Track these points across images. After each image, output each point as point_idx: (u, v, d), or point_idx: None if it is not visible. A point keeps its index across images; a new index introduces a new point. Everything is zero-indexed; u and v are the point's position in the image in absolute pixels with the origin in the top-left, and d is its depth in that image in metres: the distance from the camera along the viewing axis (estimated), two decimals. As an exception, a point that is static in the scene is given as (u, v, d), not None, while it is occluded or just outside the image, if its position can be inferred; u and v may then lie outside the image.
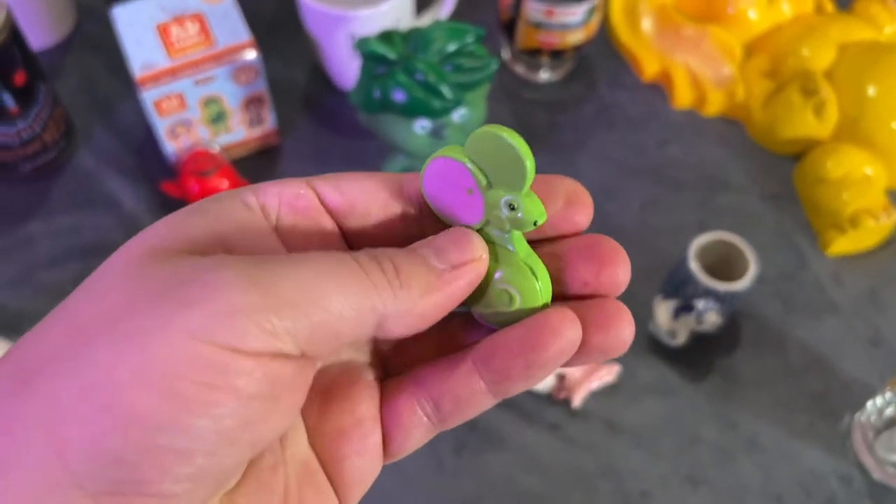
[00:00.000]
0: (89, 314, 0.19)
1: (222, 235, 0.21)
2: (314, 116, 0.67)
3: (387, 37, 0.49)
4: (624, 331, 0.22)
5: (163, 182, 0.61)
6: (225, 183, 0.58)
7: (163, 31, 0.56)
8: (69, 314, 0.19)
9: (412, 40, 0.49)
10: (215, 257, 0.19)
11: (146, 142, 0.65)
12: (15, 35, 0.54)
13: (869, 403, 0.54)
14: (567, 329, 0.21)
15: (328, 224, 0.23)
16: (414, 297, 0.20)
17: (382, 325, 0.20)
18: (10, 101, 0.55)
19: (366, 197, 0.23)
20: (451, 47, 0.49)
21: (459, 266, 0.21)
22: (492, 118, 0.57)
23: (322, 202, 0.23)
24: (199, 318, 0.17)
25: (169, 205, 0.62)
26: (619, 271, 0.22)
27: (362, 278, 0.20)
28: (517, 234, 0.23)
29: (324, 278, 0.19)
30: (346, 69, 0.64)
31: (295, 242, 0.22)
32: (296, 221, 0.22)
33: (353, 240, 0.23)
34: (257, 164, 0.64)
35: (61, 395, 0.17)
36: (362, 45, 0.48)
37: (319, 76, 0.69)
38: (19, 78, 0.55)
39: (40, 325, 0.19)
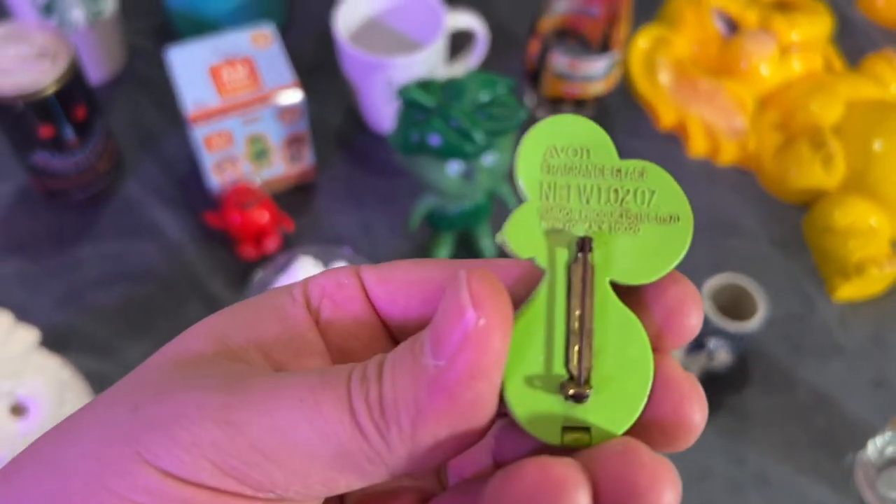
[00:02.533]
0: (85, 416, 0.19)
1: (257, 334, 0.20)
2: (348, 155, 0.71)
3: (426, 85, 0.53)
4: (664, 494, 0.17)
5: (206, 213, 0.64)
6: (265, 215, 0.62)
7: (215, 72, 0.60)
8: (73, 421, 0.19)
9: (449, 89, 0.53)
10: (203, 377, 0.18)
11: (189, 174, 0.69)
12: (78, 73, 0.58)
13: (870, 443, 0.56)
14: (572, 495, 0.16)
15: (369, 316, 0.22)
16: (405, 434, 0.17)
17: (379, 476, 0.18)
18: (70, 134, 0.59)
19: (409, 288, 0.21)
20: (485, 97, 0.53)
21: (457, 351, 0.17)
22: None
23: (366, 292, 0.22)
24: (154, 444, 0.17)
25: (209, 235, 0.65)
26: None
27: (349, 426, 0.17)
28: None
29: (303, 423, 0.17)
30: (381, 112, 0.68)
31: (334, 336, 0.22)
32: (335, 313, 0.21)
33: (397, 332, 0.22)
34: (295, 199, 0.68)
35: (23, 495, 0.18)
36: (404, 93, 0.52)
37: (354, 117, 0.73)
38: (80, 113, 0.59)
39: (68, 419, 0.20)
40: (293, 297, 0.21)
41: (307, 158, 0.67)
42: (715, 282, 0.58)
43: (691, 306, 0.19)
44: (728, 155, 0.72)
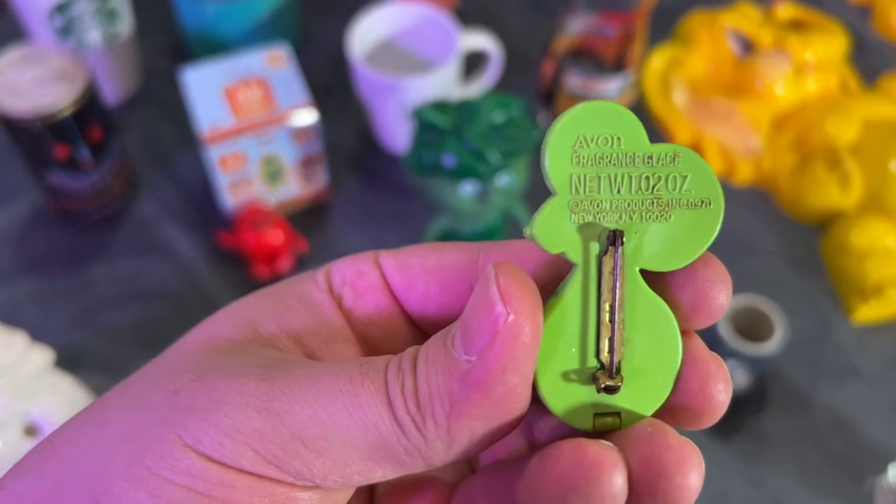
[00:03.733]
0: (119, 399, 0.19)
1: (287, 321, 0.21)
2: (362, 176, 0.71)
3: (440, 107, 0.53)
4: (690, 475, 0.17)
5: (220, 232, 0.64)
6: (279, 236, 0.62)
7: (230, 93, 0.61)
8: (105, 402, 0.19)
9: (463, 110, 0.53)
10: (241, 365, 0.19)
11: (203, 194, 0.69)
12: (94, 95, 0.59)
13: (891, 467, 0.56)
14: (608, 477, 0.17)
15: (389, 304, 0.22)
16: (441, 427, 0.17)
17: (416, 467, 0.18)
18: (86, 155, 0.60)
19: (427, 277, 0.21)
20: (499, 118, 0.53)
21: (488, 347, 0.17)
22: (533, 183, 0.60)
23: (386, 280, 0.22)
24: (196, 428, 0.17)
25: (223, 255, 0.65)
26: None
27: (387, 419, 0.17)
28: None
29: (343, 414, 0.17)
30: (394, 133, 0.68)
31: (356, 323, 0.22)
32: (356, 301, 0.22)
33: (418, 320, 0.22)
34: (309, 219, 0.68)
35: (66, 479, 0.18)
36: (418, 114, 0.52)
37: (368, 138, 0.73)
38: (96, 134, 0.60)
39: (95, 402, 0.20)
40: (317, 284, 0.22)
41: (321, 179, 0.67)
42: (732, 304, 0.57)
43: (721, 286, 0.19)
44: (743, 175, 0.72)
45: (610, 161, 0.19)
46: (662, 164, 0.20)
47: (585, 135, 0.19)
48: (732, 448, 0.58)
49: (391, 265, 0.22)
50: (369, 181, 0.71)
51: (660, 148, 0.20)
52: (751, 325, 0.57)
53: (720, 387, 0.19)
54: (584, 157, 0.19)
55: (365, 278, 0.22)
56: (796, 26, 0.78)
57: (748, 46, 0.76)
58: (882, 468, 0.56)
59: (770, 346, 0.55)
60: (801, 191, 0.69)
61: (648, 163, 0.20)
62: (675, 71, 0.76)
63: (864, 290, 0.64)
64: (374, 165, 0.72)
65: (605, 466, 0.17)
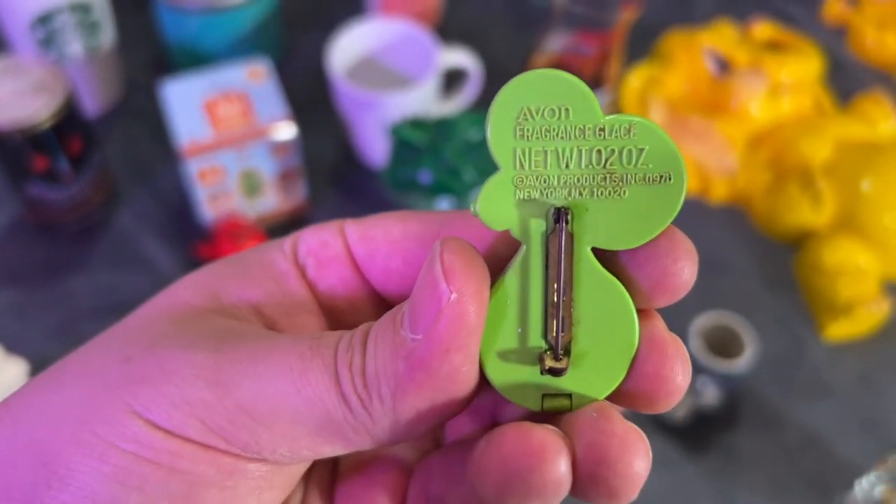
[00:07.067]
0: (74, 364, 0.19)
1: (250, 291, 0.21)
2: (342, 190, 0.72)
3: (417, 124, 0.54)
4: (634, 463, 0.17)
5: (198, 245, 0.65)
6: (258, 249, 0.62)
7: (209, 106, 0.61)
8: (61, 367, 0.20)
9: (440, 128, 0.54)
10: (194, 335, 0.19)
11: (182, 207, 0.69)
12: (73, 107, 0.59)
13: (857, 483, 0.56)
14: (552, 464, 0.17)
15: (353, 275, 0.22)
16: (387, 406, 0.17)
17: (363, 445, 0.18)
18: (65, 166, 0.60)
19: (390, 247, 0.21)
20: (475, 136, 0.54)
21: (432, 325, 0.17)
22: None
23: (349, 251, 0.22)
24: (144, 396, 0.17)
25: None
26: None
27: (335, 396, 0.17)
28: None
29: (291, 390, 0.17)
30: (374, 147, 0.69)
31: (319, 294, 0.22)
32: (320, 272, 0.21)
33: (382, 292, 0.22)
34: (288, 232, 0.68)
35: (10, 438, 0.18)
36: (396, 132, 0.53)
37: (348, 152, 0.73)
38: (75, 146, 0.60)
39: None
40: (284, 253, 0.22)
41: (300, 193, 0.67)
42: (703, 321, 0.58)
43: (685, 261, 0.19)
44: (718, 193, 0.73)
45: (557, 134, 0.19)
46: (616, 137, 0.19)
47: (530, 106, 0.18)
48: (703, 465, 0.59)
49: (355, 235, 0.21)
50: (348, 195, 0.71)
51: (613, 119, 0.19)
52: (722, 343, 0.58)
53: (678, 369, 0.18)
54: (528, 130, 0.18)
55: (329, 248, 0.21)
56: (773, 47, 0.79)
57: (725, 66, 0.77)
58: (851, 485, 0.57)
59: (740, 364, 0.56)
60: (774, 209, 0.70)
61: (600, 135, 0.19)
62: (653, 89, 0.77)
63: (835, 309, 0.64)
64: (353, 179, 0.72)
65: (547, 453, 0.17)
